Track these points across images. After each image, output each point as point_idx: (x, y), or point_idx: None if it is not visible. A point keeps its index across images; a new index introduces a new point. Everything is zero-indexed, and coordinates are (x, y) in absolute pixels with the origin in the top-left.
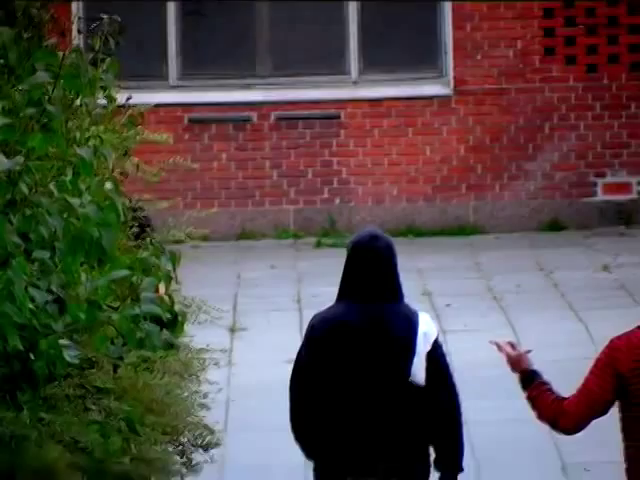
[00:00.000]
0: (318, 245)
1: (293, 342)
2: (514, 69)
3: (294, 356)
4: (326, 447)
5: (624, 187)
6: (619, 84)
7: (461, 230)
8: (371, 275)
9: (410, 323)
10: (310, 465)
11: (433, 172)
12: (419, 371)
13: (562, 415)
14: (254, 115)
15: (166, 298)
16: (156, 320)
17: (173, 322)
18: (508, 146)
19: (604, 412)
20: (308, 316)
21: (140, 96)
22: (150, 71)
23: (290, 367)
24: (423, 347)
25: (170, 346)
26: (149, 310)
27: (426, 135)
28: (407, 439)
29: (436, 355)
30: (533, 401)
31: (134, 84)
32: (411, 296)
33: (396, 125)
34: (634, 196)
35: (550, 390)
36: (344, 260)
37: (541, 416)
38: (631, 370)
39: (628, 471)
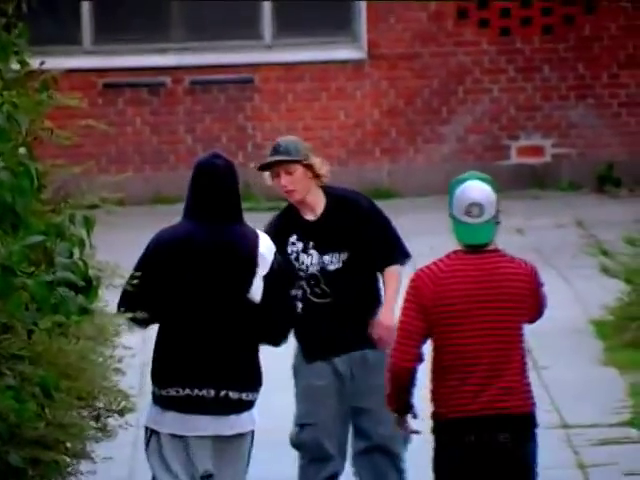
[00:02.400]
0: None
1: None
2: (427, 33)
3: None
4: (164, 358)
5: (538, 150)
6: (532, 47)
7: (376, 194)
8: (213, 191)
9: (251, 244)
10: None
11: (347, 136)
12: (257, 289)
13: (398, 366)
14: (168, 80)
15: (80, 263)
16: (70, 285)
17: (87, 287)
18: (422, 110)
19: (427, 337)
20: None
21: (54, 61)
22: (64, 36)
23: None
24: (261, 268)
25: (84, 311)
26: (63, 275)
27: (340, 99)
28: (241, 354)
29: (275, 273)
30: (391, 383)
31: (48, 49)
32: None
33: (310, 89)
34: (548, 159)
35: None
36: (257, 224)
37: (393, 376)
38: (433, 301)
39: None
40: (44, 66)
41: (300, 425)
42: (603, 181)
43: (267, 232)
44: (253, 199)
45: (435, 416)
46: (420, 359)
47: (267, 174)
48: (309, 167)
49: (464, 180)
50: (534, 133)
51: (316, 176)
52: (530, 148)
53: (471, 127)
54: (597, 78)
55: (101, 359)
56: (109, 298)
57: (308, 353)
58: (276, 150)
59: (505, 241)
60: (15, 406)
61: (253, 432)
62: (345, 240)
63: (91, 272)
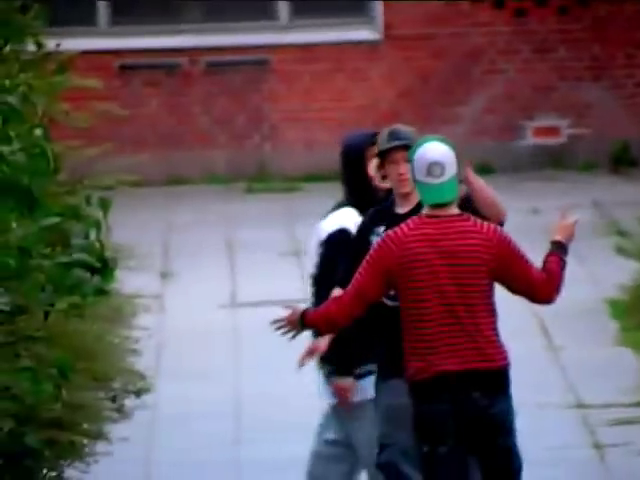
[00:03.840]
0: (249, 190)
1: (224, 287)
2: (443, 14)
3: (225, 301)
4: None
5: (553, 130)
6: (548, 28)
7: None
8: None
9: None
10: (239, 412)
11: (362, 117)
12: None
13: (338, 310)
14: (184, 61)
15: (97, 244)
16: (86, 267)
17: (103, 269)
18: (437, 91)
19: (377, 300)
20: (239, 261)
21: (70, 42)
22: (80, 17)
23: (221, 312)
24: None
25: (101, 292)
26: (79, 257)
27: (355, 80)
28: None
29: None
30: (319, 317)
31: (64, 30)
32: None
33: (326, 70)
34: (563, 139)
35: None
36: (273, 204)
37: (325, 317)
38: (398, 265)
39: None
40: (60, 48)
41: (380, 446)
42: (619, 161)
43: (362, 220)
44: (268, 180)
45: (410, 376)
46: (355, 320)
47: (376, 161)
48: None
49: (421, 144)
50: (550, 113)
51: None
52: (546, 129)
53: (486, 108)
54: (612, 59)
55: (117, 340)
56: (125, 279)
57: (383, 369)
58: (398, 136)
59: (520, 221)
60: (31, 388)
61: (372, 403)
62: None
63: (107, 253)
